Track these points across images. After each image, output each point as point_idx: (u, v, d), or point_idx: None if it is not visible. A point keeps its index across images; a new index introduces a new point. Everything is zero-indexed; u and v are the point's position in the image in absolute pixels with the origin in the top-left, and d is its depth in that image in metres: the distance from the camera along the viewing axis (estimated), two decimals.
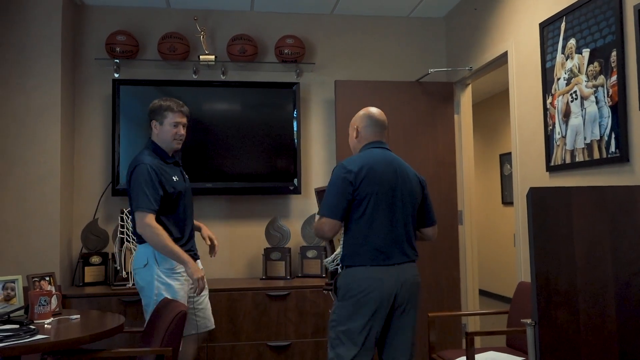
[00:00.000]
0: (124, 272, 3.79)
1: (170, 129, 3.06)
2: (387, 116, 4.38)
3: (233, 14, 4.51)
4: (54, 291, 2.88)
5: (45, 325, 2.58)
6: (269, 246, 4.23)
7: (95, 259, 3.98)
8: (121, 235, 3.81)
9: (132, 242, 3.80)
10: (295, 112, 4.37)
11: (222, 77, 4.41)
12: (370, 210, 2.60)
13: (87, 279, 3.94)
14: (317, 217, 2.72)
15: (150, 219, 2.87)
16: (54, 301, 2.82)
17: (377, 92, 4.41)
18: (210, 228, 3.48)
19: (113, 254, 3.93)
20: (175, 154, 3.18)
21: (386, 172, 2.65)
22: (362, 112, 2.84)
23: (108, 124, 4.25)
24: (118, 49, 4.16)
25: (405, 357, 2.64)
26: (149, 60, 4.30)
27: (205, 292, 3.12)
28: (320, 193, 2.87)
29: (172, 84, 4.25)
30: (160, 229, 2.88)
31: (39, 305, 2.65)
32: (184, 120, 3.11)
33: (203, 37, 4.29)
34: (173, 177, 3.02)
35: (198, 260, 3.14)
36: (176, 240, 2.96)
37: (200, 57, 4.27)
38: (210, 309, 3.21)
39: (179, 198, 3.03)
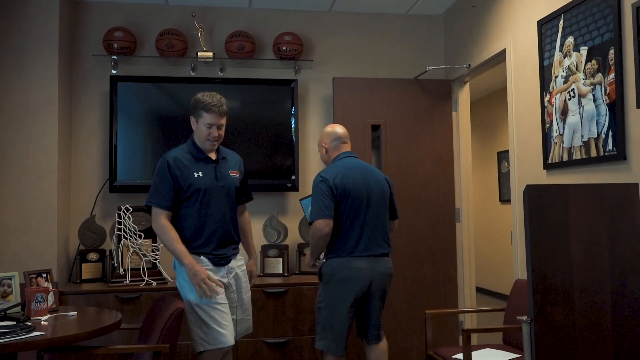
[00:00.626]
0: (121, 269, 3.79)
1: (204, 129, 2.89)
2: (385, 114, 4.41)
3: (231, 10, 4.50)
4: (50, 288, 2.87)
5: (42, 322, 2.58)
6: (266, 243, 4.23)
7: (92, 256, 3.98)
8: (118, 232, 3.81)
9: (130, 239, 3.80)
10: (293, 109, 4.37)
11: (220, 74, 4.41)
12: (348, 210, 3.04)
13: (84, 276, 3.94)
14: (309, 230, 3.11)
15: (158, 215, 2.83)
16: (50, 298, 2.82)
17: (375, 89, 4.41)
18: None
19: (110, 251, 3.93)
20: (220, 150, 3.02)
21: (359, 176, 3.10)
22: (327, 130, 3.30)
23: (106, 120, 4.25)
24: (116, 46, 4.15)
25: (375, 332, 3.14)
26: (146, 57, 4.30)
27: (223, 299, 2.84)
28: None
29: (170, 81, 4.25)
30: (166, 226, 2.81)
31: (36, 302, 2.64)
32: (221, 121, 2.91)
33: (201, 34, 4.28)
34: (194, 173, 2.87)
35: (237, 266, 2.97)
36: (189, 241, 2.85)
37: (198, 53, 4.27)
38: (242, 320, 3.01)
39: (196, 195, 2.86)
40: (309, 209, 3.14)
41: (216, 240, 2.88)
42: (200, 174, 2.88)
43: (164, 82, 4.23)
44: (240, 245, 3.11)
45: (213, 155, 2.97)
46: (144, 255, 3.81)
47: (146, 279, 3.74)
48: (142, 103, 4.22)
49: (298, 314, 3.84)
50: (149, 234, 3.81)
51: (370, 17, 4.69)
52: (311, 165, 4.53)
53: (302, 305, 3.85)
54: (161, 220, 2.82)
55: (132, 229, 3.82)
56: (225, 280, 2.89)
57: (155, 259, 3.86)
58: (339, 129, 3.28)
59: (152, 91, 4.23)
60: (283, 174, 4.35)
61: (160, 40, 4.21)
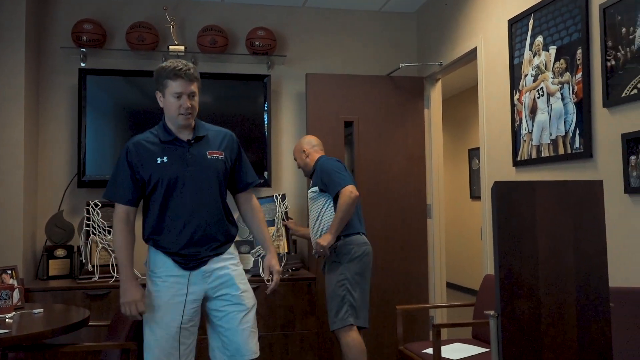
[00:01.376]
0: (89, 266, 3.72)
1: (172, 102, 2.40)
2: (358, 110, 4.42)
3: (204, 4, 4.45)
4: (16, 285, 2.81)
5: (7, 320, 2.52)
6: (238, 239, 4.21)
7: (60, 252, 3.90)
8: (87, 228, 3.75)
9: (99, 235, 3.74)
10: (266, 105, 4.35)
11: None
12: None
13: (51, 273, 3.86)
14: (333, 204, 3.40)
15: (116, 210, 2.45)
16: (15, 295, 2.76)
17: (348, 85, 4.42)
18: None
19: (79, 247, 3.87)
20: (198, 127, 2.52)
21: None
22: (305, 139, 3.69)
23: (74, 114, 4.17)
24: (85, 38, 4.08)
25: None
26: (116, 50, 4.23)
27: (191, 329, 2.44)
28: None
29: (141, 75, 4.18)
30: (117, 226, 2.43)
31: (0, 299, 2.59)
32: (191, 87, 2.41)
33: (173, 28, 4.23)
34: (157, 159, 2.41)
35: (218, 267, 2.47)
36: (150, 239, 2.47)
37: (170, 47, 4.21)
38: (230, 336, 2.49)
39: (159, 186, 2.40)
40: (331, 184, 3.37)
41: (186, 238, 2.41)
42: (164, 159, 2.42)
43: (134, 75, 4.17)
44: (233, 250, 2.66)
45: (186, 135, 2.47)
46: (113, 252, 3.75)
47: (115, 275, 3.69)
48: (112, 97, 4.15)
49: (270, 311, 3.83)
50: None
51: (343, 13, 4.69)
52: (284, 161, 4.52)
53: (274, 302, 3.84)
54: (117, 217, 2.43)
55: (101, 225, 3.76)
56: (193, 297, 2.42)
57: None
58: (313, 138, 3.71)
59: (122, 85, 4.16)
60: (256, 169, 4.31)
61: (131, 33, 4.15)
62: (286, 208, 4.03)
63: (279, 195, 4.04)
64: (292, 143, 4.54)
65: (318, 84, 4.37)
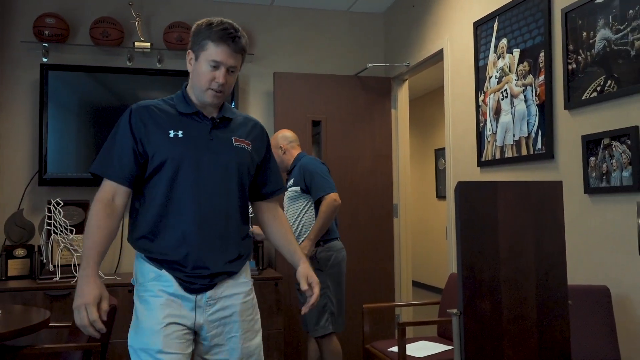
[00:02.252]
0: (50, 266, 3.64)
1: (205, 70, 1.84)
2: (326, 109, 4.43)
3: (170, 1, 4.40)
4: None
5: None
6: None
7: (19, 252, 3.80)
8: (48, 227, 3.66)
9: (60, 234, 3.66)
10: (233, 103, 4.32)
11: (158, 65, 4.30)
12: None
13: (10, 273, 3.76)
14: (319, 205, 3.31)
15: (102, 189, 1.81)
16: None
17: (315, 85, 4.42)
18: None
19: (39, 247, 3.77)
20: (225, 109, 1.96)
21: None
22: (280, 134, 3.58)
23: (35, 110, 4.07)
24: (47, 32, 3.98)
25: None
26: (80, 45, 4.14)
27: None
28: None
29: (105, 71, 4.11)
30: (97, 202, 1.78)
31: None
32: (233, 60, 1.84)
33: (138, 24, 4.16)
34: (170, 132, 1.83)
35: (227, 295, 1.84)
36: (145, 243, 1.82)
37: (135, 43, 4.15)
38: None
39: (165, 169, 1.81)
40: (315, 188, 3.31)
41: (192, 244, 1.80)
42: (179, 133, 1.84)
43: (98, 72, 4.09)
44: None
45: (210, 112, 1.92)
46: (75, 251, 3.68)
47: (78, 275, 3.61)
48: (75, 93, 4.07)
49: None
50: (82, 229, 3.69)
51: (312, 12, 4.69)
52: None
53: None
54: (98, 198, 1.79)
55: (63, 224, 3.68)
56: (187, 322, 1.79)
57: None
58: (289, 133, 3.60)
59: (86, 81, 4.08)
60: None
61: (95, 29, 4.07)
62: (251, 213, 3.99)
63: None
64: None
65: (286, 83, 4.36)
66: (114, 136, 1.87)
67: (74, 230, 3.70)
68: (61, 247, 3.66)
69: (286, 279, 3.99)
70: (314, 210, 3.36)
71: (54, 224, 3.66)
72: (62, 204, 3.70)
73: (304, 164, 3.41)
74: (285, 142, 3.54)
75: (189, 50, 1.90)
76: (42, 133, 3.95)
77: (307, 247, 3.23)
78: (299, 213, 3.41)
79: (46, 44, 4.00)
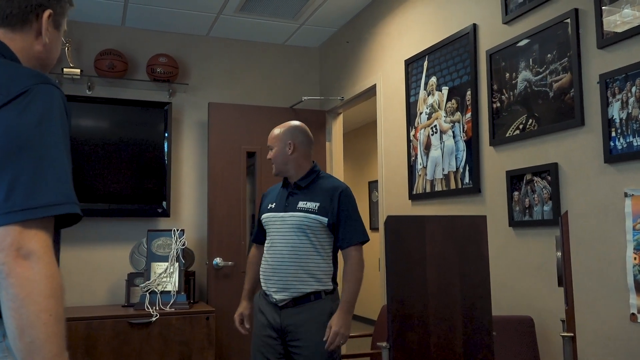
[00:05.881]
0: None
1: None
2: (261, 141, 4.43)
3: (102, 27, 4.32)
4: None
5: None
6: (133, 271, 4.04)
7: None
8: None
9: None
10: (166, 133, 4.25)
11: (88, 92, 4.19)
12: None
13: None
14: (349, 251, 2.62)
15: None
16: None
17: (251, 116, 4.42)
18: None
19: None
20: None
21: None
22: (295, 125, 2.70)
23: None
24: None
25: None
26: None
27: None
28: None
29: None
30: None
31: None
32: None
33: (68, 49, 4.05)
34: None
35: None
36: None
37: (64, 69, 4.03)
38: None
39: None
40: (353, 230, 2.55)
41: None
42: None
43: None
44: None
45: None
46: None
47: None
48: None
49: (165, 345, 3.68)
50: None
51: (248, 44, 4.72)
52: (184, 190, 4.41)
53: (168, 336, 3.69)
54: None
55: None
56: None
57: None
58: (308, 133, 2.73)
59: None
60: (154, 198, 4.19)
61: None
62: (183, 245, 3.92)
63: (177, 230, 3.93)
64: (193, 172, 4.45)
65: (221, 113, 4.34)
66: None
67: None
68: None
69: (218, 313, 3.90)
70: (331, 256, 2.63)
71: None
72: None
73: (343, 189, 2.59)
74: (301, 143, 2.68)
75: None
76: None
77: (348, 323, 2.47)
78: (318, 251, 2.57)
79: None
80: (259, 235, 2.84)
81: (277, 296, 2.55)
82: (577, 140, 2.30)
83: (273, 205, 2.69)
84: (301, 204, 2.57)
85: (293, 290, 2.51)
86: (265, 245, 2.69)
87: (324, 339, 2.43)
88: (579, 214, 2.27)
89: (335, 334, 2.41)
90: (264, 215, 2.73)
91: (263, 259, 2.68)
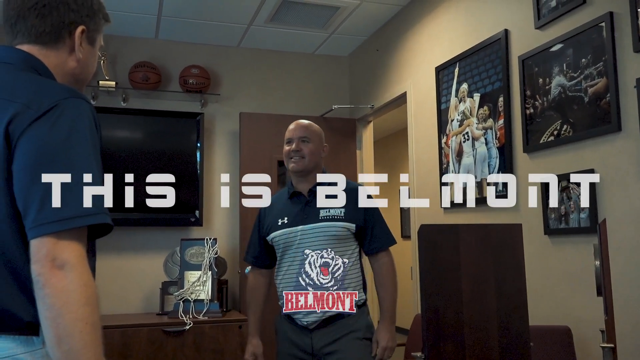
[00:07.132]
0: None
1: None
2: None
3: (136, 40, 4.41)
4: None
5: None
6: (167, 279, 4.09)
7: None
8: None
9: None
10: (198, 143, 4.31)
11: (123, 104, 4.28)
12: None
13: None
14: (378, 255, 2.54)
15: None
16: None
17: (281, 125, 4.41)
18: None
19: None
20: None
21: None
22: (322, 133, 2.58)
23: None
24: None
25: None
26: None
27: None
28: None
29: None
30: None
31: None
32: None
33: (104, 62, 4.15)
34: None
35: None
36: None
37: (100, 82, 4.13)
38: None
39: None
40: (384, 234, 2.46)
41: None
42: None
43: None
44: None
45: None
46: None
47: None
48: None
49: (198, 354, 3.71)
50: None
51: (278, 54, 4.76)
52: (216, 200, 4.46)
53: (201, 345, 3.72)
54: None
55: None
56: None
57: None
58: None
59: None
60: (187, 208, 4.25)
61: None
62: (216, 254, 3.96)
63: (210, 239, 3.98)
64: (225, 182, 4.49)
65: (252, 123, 4.38)
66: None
67: None
68: None
69: None
70: (358, 262, 2.48)
71: None
72: None
73: (365, 189, 2.49)
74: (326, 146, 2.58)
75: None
76: None
77: (394, 334, 2.40)
78: (348, 259, 2.40)
79: None
80: (263, 257, 2.50)
81: (307, 319, 2.29)
82: (614, 146, 2.25)
83: (286, 220, 2.38)
84: (323, 213, 2.33)
85: (326, 309, 2.28)
86: (280, 266, 2.40)
87: (372, 354, 2.27)
88: (616, 221, 2.22)
89: (384, 349, 2.27)
90: (274, 234, 2.39)
91: (282, 281, 2.38)
